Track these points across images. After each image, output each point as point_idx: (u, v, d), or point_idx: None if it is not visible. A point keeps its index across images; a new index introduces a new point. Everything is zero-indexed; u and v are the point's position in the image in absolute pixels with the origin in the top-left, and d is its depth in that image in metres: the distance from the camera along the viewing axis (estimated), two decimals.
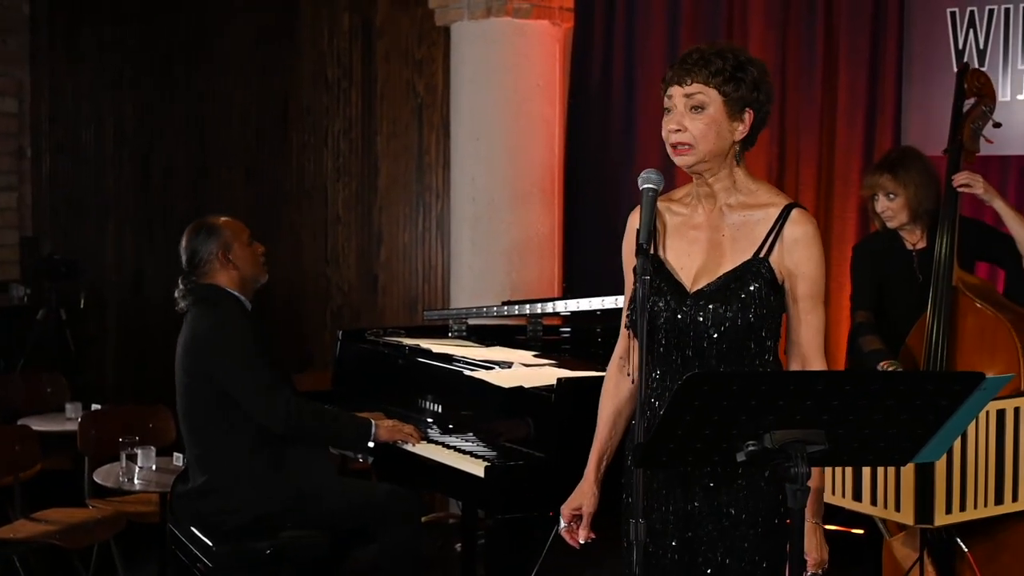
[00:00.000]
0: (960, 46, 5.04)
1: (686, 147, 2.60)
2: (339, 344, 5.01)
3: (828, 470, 3.57)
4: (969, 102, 4.21)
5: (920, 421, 2.22)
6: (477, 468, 3.70)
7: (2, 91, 7.74)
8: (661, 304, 2.63)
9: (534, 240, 6.21)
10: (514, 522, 3.78)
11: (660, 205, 2.70)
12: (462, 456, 3.88)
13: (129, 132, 7.73)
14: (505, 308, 4.93)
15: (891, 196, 4.25)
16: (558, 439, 3.63)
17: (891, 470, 3.65)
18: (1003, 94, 4.82)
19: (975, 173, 4.12)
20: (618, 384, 2.82)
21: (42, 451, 5.29)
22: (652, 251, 2.58)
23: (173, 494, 4.27)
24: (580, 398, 3.59)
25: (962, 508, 3.64)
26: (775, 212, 2.63)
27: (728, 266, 2.62)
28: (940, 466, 3.56)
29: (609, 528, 2.84)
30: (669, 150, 2.65)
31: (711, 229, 2.67)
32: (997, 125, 4.22)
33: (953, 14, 5.06)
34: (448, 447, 3.99)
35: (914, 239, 4.32)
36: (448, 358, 4.32)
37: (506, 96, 6.13)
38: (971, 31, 5.01)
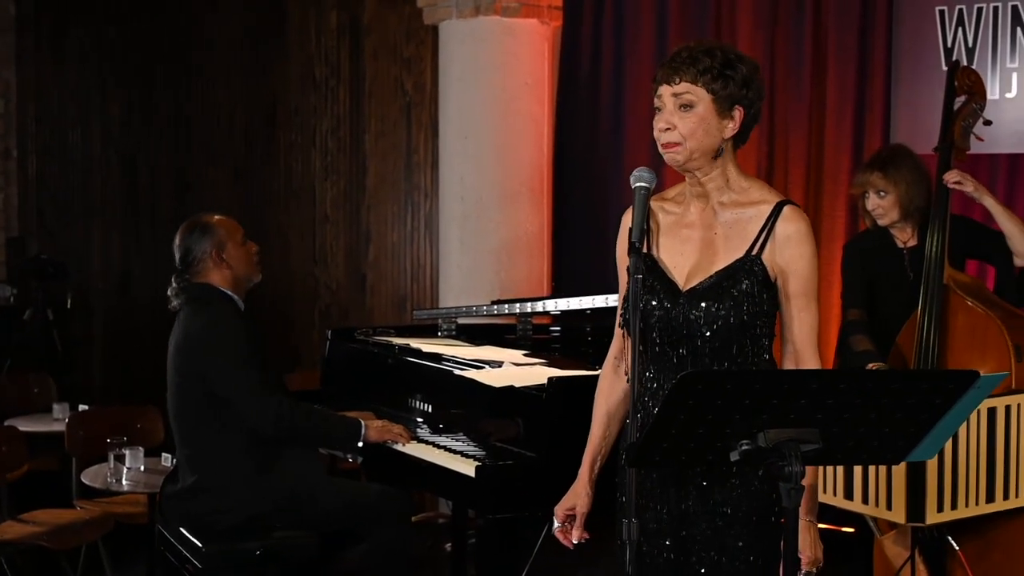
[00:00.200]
0: (949, 44, 5.04)
1: (676, 146, 2.59)
2: (328, 343, 4.99)
3: (820, 468, 3.56)
4: (960, 100, 4.21)
5: (914, 420, 2.21)
6: (468, 468, 3.68)
7: None
8: (654, 303, 2.62)
9: (523, 239, 6.20)
10: (505, 522, 3.77)
11: (653, 204, 2.70)
12: (452, 456, 3.86)
13: (116, 133, 7.70)
14: (495, 307, 4.92)
15: (882, 194, 4.24)
16: (549, 438, 3.62)
17: (882, 468, 3.65)
18: (992, 92, 4.81)
19: (965, 172, 4.13)
20: (612, 384, 2.82)
21: (29, 452, 5.27)
22: (645, 250, 2.58)
23: (162, 494, 4.25)
24: (571, 397, 3.59)
25: (953, 506, 3.64)
26: (767, 209, 2.63)
27: (721, 264, 2.62)
28: (931, 464, 3.56)
29: (602, 528, 2.84)
30: (660, 149, 2.64)
31: (704, 227, 2.67)
32: (988, 123, 4.22)
33: (942, 12, 5.06)
34: (438, 447, 3.98)
35: (905, 237, 4.32)
36: (438, 357, 4.31)
37: (495, 95, 6.12)
38: (960, 29, 5.01)
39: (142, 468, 4.83)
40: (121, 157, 7.72)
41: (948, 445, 3.59)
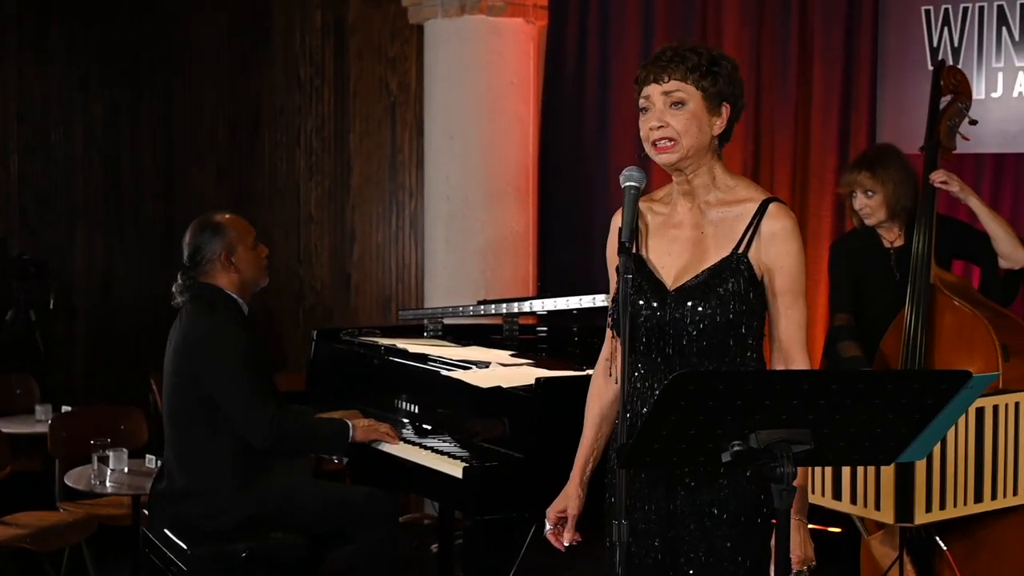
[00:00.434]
0: (935, 44, 5.05)
1: (670, 144, 2.59)
2: (314, 344, 4.96)
3: (809, 468, 3.56)
4: (945, 99, 4.21)
5: (906, 420, 2.21)
6: (455, 469, 3.67)
7: None
8: (642, 303, 2.62)
9: (509, 239, 6.19)
10: (492, 523, 3.75)
11: (642, 205, 2.69)
12: (439, 457, 3.85)
13: (99, 132, 7.66)
14: (481, 308, 4.90)
15: (869, 194, 4.24)
16: (537, 439, 3.60)
17: (871, 469, 3.64)
18: (978, 92, 4.82)
19: (951, 172, 4.13)
20: (604, 386, 2.81)
21: (12, 453, 5.24)
22: (634, 250, 2.56)
23: (152, 493, 4.21)
24: (559, 398, 3.58)
25: (942, 507, 3.64)
26: (753, 207, 2.62)
27: (708, 263, 2.61)
28: (920, 465, 3.56)
29: (591, 529, 2.83)
30: (649, 149, 2.63)
31: (691, 227, 2.66)
32: (973, 122, 4.23)
33: (927, 11, 5.06)
34: (425, 448, 3.96)
35: (891, 237, 4.32)
36: (425, 358, 4.29)
37: (480, 94, 6.11)
38: (945, 28, 5.02)
39: (126, 470, 4.79)
40: (104, 156, 7.68)
41: (936, 445, 3.59)
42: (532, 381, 3.69)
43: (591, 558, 2.89)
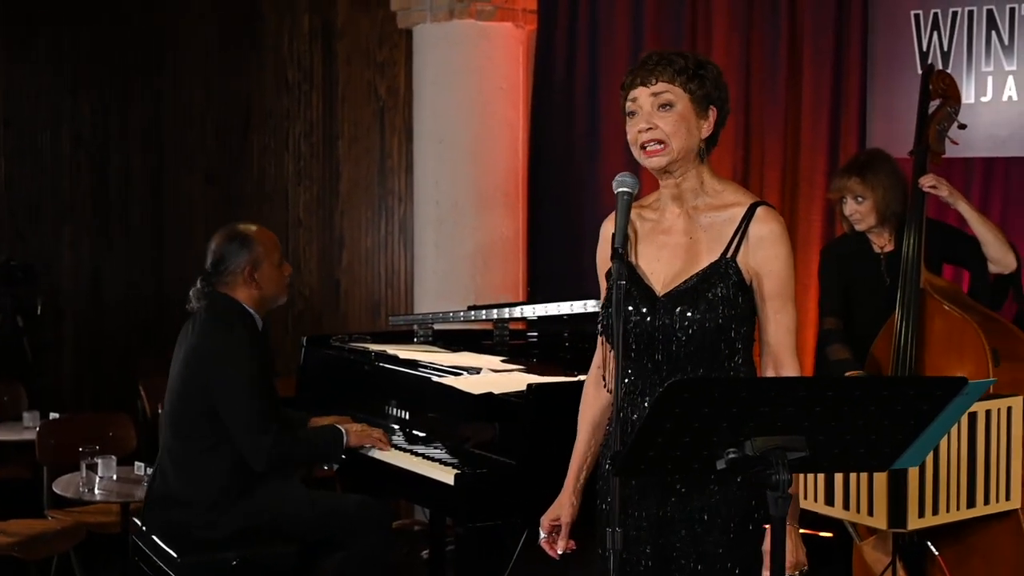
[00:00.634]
0: (924, 48, 5.05)
1: (659, 146, 2.58)
2: (303, 350, 4.94)
3: (802, 474, 3.56)
4: (934, 103, 4.21)
5: (901, 427, 2.20)
6: (446, 476, 3.65)
7: None
8: (631, 309, 2.61)
9: (498, 243, 6.18)
10: (484, 529, 3.74)
11: (632, 211, 2.68)
12: (431, 464, 3.83)
13: (86, 135, 7.64)
14: (472, 313, 4.89)
15: (859, 199, 4.24)
16: (529, 445, 3.59)
17: (864, 474, 3.64)
18: (967, 96, 4.82)
19: (941, 177, 4.13)
20: (596, 393, 2.80)
21: None
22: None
23: (148, 496, 4.18)
24: (551, 404, 3.57)
25: (935, 512, 3.64)
26: (740, 211, 2.61)
27: (696, 268, 2.60)
28: (913, 470, 3.55)
29: (585, 536, 2.82)
30: (638, 153, 2.62)
31: (680, 232, 2.66)
32: (963, 126, 4.22)
33: (917, 16, 5.07)
34: (416, 454, 3.94)
35: (882, 242, 4.33)
36: (415, 364, 4.28)
37: (469, 99, 6.10)
38: (935, 33, 5.02)
39: (114, 477, 4.75)
40: (92, 160, 7.65)
41: None
42: (524, 387, 3.68)
43: (584, 565, 2.88)
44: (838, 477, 3.73)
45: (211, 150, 7.78)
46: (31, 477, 5.69)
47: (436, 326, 5.05)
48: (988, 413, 3.70)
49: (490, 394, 3.76)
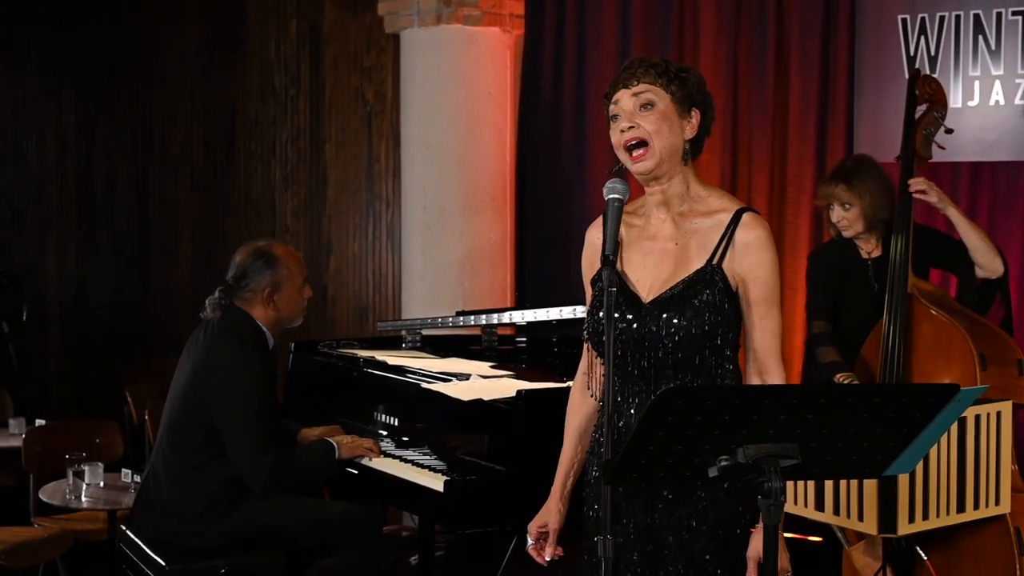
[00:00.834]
0: (912, 53, 5.06)
1: (643, 148, 2.59)
2: (291, 357, 4.94)
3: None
4: (921, 108, 4.21)
5: (893, 434, 2.20)
6: (436, 482, 3.64)
7: None
8: (617, 316, 2.60)
9: (486, 249, 6.17)
10: (473, 536, 3.73)
11: None
12: (420, 470, 3.82)
13: (72, 141, 7.61)
14: (461, 318, 4.88)
15: (846, 206, 4.25)
16: (518, 452, 3.59)
17: (854, 480, 3.64)
18: (954, 101, 4.83)
19: (930, 181, 4.13)
20: (582, 400, 2.80)
21: None
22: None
23: (136, 501, 4.16)
24: (540, 410, 3.56)
25: (925, 517, 3.64)
26: (726, 218, 2.62)
27: (682, 275, 2.60)
28: (903, 475, 3.55)
29: (572, 543, 2.82)
30: (624, 158, 2.63)
31: (665, 239, 2.66)
32: (949, 131, 4.22)
33: (904, 21, 5.08)
34: (405, 461, 3.94)
35: (869, 248, 4.33)
36: (404, 370, 4.27)
37: (457, 104, 6.10)
38: (922, 38, 5.03)
39: (101, 484, 4.72)
40: (77, 166, 7.62)
41: None
42: (513, 393, 3.68)
43: (572, 572, 2.87)
44: (828, 482, 3.72)
45: (197, 156, 7.75)
46: (17, 485, 5.65)
47: (424, 332, 5.05)
48: (977, 418, 3.70)
49: (479, 400, 3.75)
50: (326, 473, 4.10)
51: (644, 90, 2.60)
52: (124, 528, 4.23)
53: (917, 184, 4.09)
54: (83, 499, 4.66)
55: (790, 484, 3.64)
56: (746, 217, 2.60)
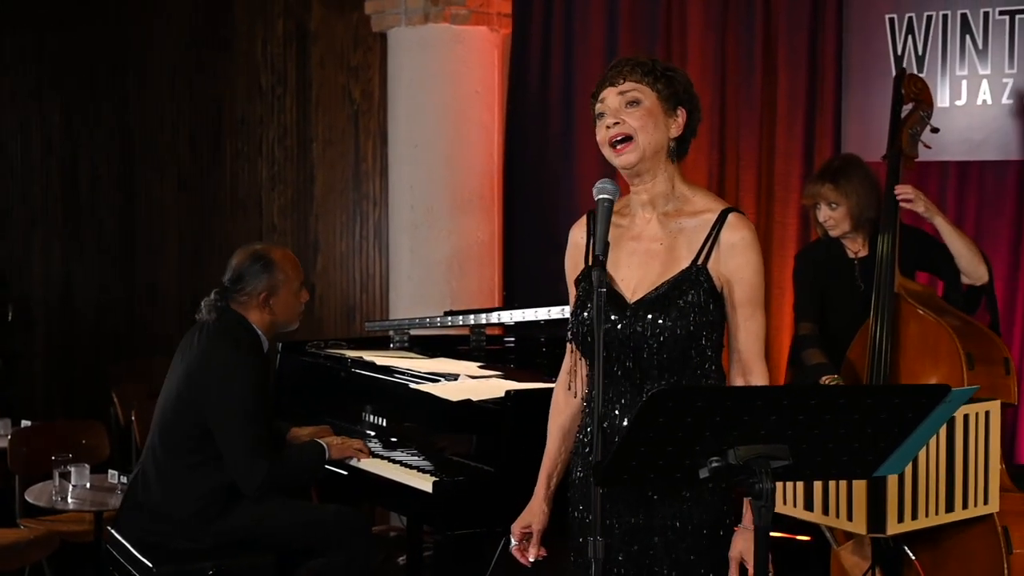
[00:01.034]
0: (899, 52, 5.07)
1: (627, 142, 2.60)
2: (279, 357, 4.92)
3: None
4: (907, 107, 4.22)
5: (884, 435, 2.20)
6: (424, 483, 3.64)
7: None
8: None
9: (474, 248, 6.16)
10: (462, 536, 3.73)
11: None
12: (408, 471, 3.81)
13: (57, 141, 7.58)
14: (449, 318, 4.87)
15: (833, 206, 4.25)
16: (507, 452, 3.58)
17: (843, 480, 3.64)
18: (941, 100, 4.84)
19: (918, 190, 4.13)
20: (565, 401, 2.80)
21: None
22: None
23: (124, 500, 4.14)
24: (529, 410, 3.54)
25: (914, 516, 3.64)
26: (712, 218, 2.62)
27: (667, 275, 2.60)
28: (892, 475, 3.55)
29: (556, 544, 2.81)
30: (609, 153, 2.64)
31: (650, 239, 2.66)
32: (935, 130, 4.23)
33: (891, 20, 5.08)
34: (394, 461, 3.93)
35: (856, 248, 4.33)
36: (392, 370, 4.25)
37: (444, 103, 6.09)
38: (909, 37, 5.04)
39: (88, 485, 4.71)
40: (62, 165, 7.59)
41: None
42: (502, 394, 3.67)
43: (557, 573, 2.87)
44: (817, 482, 3.72)
45: (184, 155, 7.72)
46: (2, 486, 5.62)
47: (412, 331, 5.04)
48: (966, 417, 3.70)
49: (468, 401, 3.74)
50: (316, 475, 4.09)
51: (630, 88, 2.61)
52: (111, 529, 4.21)
53: (904, 193, 4.08)
54: (69, 500, 4.65)
55: (779, 484, 3.64)
56: (731, 218, 2.61)
